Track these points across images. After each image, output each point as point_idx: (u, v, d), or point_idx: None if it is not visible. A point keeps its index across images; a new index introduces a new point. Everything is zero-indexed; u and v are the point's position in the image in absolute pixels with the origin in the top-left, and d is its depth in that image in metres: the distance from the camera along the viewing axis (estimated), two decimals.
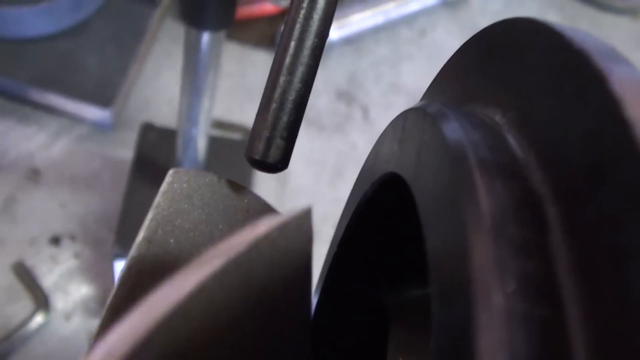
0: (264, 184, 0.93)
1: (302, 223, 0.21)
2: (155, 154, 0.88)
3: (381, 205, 0.27)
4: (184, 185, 0.27)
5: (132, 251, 0.25)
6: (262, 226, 0.19)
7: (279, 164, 0.27)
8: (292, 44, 0.26)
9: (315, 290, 0.32)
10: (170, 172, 0.27)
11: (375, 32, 1.19)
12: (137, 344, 0.14)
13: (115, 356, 0.14)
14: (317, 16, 0.26)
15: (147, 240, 0.25)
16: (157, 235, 0.26)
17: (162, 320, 0.15)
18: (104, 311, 0.24)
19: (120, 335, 0.14)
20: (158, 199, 0.26)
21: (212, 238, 0.27)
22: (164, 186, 0.26)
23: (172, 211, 0.26)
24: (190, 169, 0.27)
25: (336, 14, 0.27)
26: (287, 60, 0.26)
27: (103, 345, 0.14)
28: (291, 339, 0.24)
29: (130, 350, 0.14)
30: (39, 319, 0.79)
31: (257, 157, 0.27)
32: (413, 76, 1.15)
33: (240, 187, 0.28)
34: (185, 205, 0.26)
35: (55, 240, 0.86)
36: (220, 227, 0.27)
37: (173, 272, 0.24)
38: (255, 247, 0.18)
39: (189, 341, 0.16)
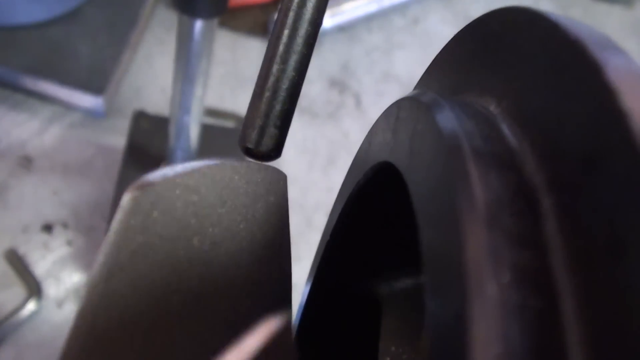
0: None
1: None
2: (147, 141, 0.88)
3: (374, 194, 0.27)
4: (148, 205, 0.21)
5: (82, 301, 0.19)
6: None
7: (272, 153, 0.27)
8: (286, 32, 0.26)
9: (308, 279, 0.32)
10: (128, 195, 0.21)
11: (368, 20, 1.19)
12: None
13: None
14: (310, 4, 0.26)
15: (100, 285, 0.19)
16: (115, 277, 0.20)
17: None
18: None
19: None
20: (111, 235, 0.20)
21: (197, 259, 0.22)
22: (118, 215, 0.20)
23: (135, 239, 0.20)
24: (154, 176, 0.22)
25: (329, 2, 0.27)
26: (280, 48, 0.26)
27: None
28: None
29: None
30: (31, 306, 0.79)
31: (250, 145, 0.27)
32: (406, 64, 1.15)
33: (238, 167, 0.25)
34: (154, 226, 0.21)
35: (48, 228, 0.86)
36: (207, 237, 0.22)
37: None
38: None
39: None
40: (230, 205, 0.24)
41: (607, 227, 0.14)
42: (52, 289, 0.82)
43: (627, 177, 0.13)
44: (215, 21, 0.62)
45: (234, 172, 0.24)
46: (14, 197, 0.88)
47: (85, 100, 0.94)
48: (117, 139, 0.93)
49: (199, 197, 0.22)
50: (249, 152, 0.27)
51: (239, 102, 1.03)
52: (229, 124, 0.97)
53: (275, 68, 0.26)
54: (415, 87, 0.28)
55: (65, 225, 0.87)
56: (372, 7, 1.18)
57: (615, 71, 0.15)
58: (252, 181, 0.24)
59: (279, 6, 0.27)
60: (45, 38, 0.96)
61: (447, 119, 0.18)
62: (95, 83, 0.94)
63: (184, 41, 0.63)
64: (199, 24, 0.60)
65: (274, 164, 0.26)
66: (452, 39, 0.25)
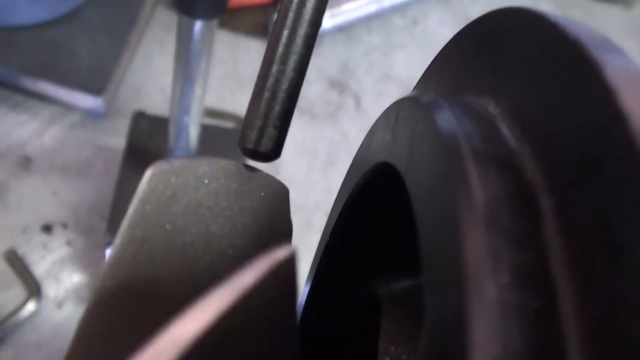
0: None
1: (287, 270, 0.20)
2: (147, 142, 0.88)
3: (373, 194, 0.27)
4: (167, 186, 0.24)
5: (105, 269, 0.23)
6: (245, 280, 0.18)
7: (271, 153, 0.27)
8: (285, 32, 0.26)
9: (307, 279, 0.32)
10: (148, 172, 0.24)
11: (368, 20, 1.19)
12: None
13: None
14: (310, 5, 0.26)
15: (122, 255, 0.23)
16: (133, 248, 0.23)
17: None
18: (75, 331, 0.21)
19: None
20: (134, 205, 0.24)
21: (204, 244, 0.25)
22: (140, 189, 0.24)
23: (152, 216, 0.24)
24: (175, 160, 0.25)
25: (329, 2, 0.27)
26: (280, 49, 0.26)
27: None
28: None
29: None
30: (30, 306, 0.79)
31: (249, 146, 0.27)
32: (405, 65, 1.15)
33: (243, 171, 0.27)
34: (169, 207, 0.24)
35: (47, 228, 0.86)
36: (213, 226, 0.25)
37: (152, 290, 0.23)
38: (240, 301, 0.18)
39: None
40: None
41: (605, 228, 0.14)
42: (51, 290, 0.82)
43: (625, 178, 0.13)
44: (214, 22, 0.62)
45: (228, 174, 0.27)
46: (14, 198, 0.87)
47: (85, 100, 0.94)
48: (117, 139, 0.93)
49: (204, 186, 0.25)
50: (249, 153, 0.27)
51: (239, 102, 1.03)
52: (229, 124, 0.97)
53: (274, 69, 0.26)
54: (415, 88, 0.28)
55: (64, 226, 0.87)
56: (372, 8, 1.18)
57: (614, 71, 0.15)
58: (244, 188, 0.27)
59: (279, 7, 0.27)
60: (45, 39, 0.96)
61: (447, 119, 0.18)
62: (94, 83, 0.93)
63: (184, 42, 0.63)
64: (198, 25, 0.60)
65: (274, 164, 0.27)
66: (451, 39, 0.25)
